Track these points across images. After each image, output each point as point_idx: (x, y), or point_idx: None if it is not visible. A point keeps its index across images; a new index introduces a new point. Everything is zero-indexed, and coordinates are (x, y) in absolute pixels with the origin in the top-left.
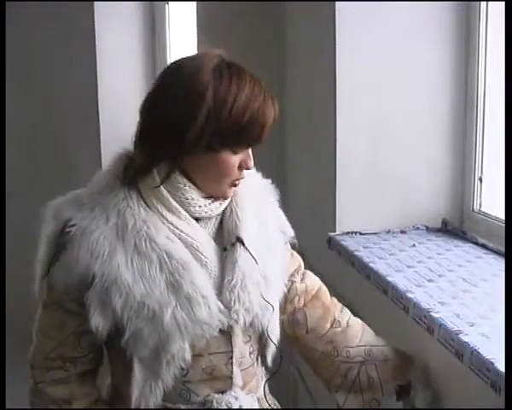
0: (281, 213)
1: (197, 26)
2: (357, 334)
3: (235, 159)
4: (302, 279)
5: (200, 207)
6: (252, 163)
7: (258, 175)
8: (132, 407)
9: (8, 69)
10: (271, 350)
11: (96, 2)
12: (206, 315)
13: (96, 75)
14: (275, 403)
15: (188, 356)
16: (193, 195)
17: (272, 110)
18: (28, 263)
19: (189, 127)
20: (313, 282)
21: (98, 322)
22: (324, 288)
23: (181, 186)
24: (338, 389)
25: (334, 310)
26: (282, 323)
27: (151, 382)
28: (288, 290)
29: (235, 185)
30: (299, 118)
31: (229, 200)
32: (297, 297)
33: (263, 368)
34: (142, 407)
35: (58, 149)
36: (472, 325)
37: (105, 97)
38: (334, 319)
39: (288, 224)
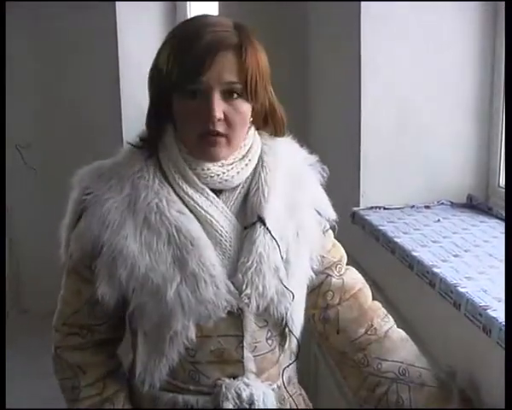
0: (321, 193)
1: None
2: (395, 348)
3: (188, 105)
4: (340, 275)
5: (211, 177)
6: (212, 112)
7: (302, 150)
8: (136, 379)
9: (33, 58)
10: (292, 338)
11: (117, 2)
12: (213, 295)
13: (118, 78)
14: (301, 392)
15: (192, 335)
16: (197, 162)
17: (201, 43)
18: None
19: (155, 74)
20: (354, 281)
21: (105, 291)
22: (366, 290)
23: (183, 153)
24: (363, 403)
25: (372, 316)
26: (312, 317)
27: (155, 357)
28: (321, 283)
29: (208, 140)
30: (323, 93)
31: (248, 171)
32: (330, 293)
33: (287, 355)
34: (147, 380)
35: (81, 130)
36: (500, 301)
37: (128, 105)
38: (371, 325)
39: (328, 206)
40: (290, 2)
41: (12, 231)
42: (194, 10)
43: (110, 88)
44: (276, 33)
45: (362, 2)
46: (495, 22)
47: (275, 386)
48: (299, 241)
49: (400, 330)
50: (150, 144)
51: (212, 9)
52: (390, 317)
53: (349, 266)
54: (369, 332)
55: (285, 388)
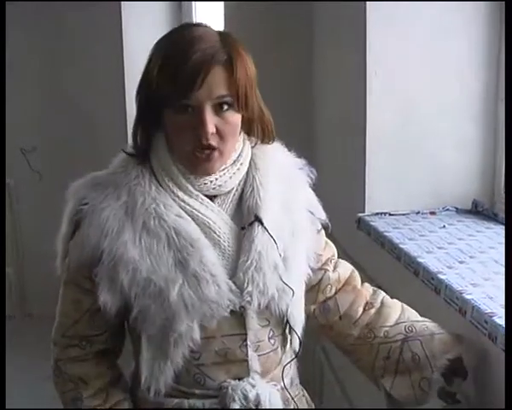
0: (312, 194)
1: (224, 26)
2: (394, 312)
3: (180, 119)
4: (335, 268)
5: (205, 184)
6: (205, 128)
7: (290, 154)
8: (142, 386)
9: (36, 59)
10: (294, 337)
11: (123, 2)
12: (215, 294)
13: (123, 79)
14: (303, 394)
15: (196, 336)
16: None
17: (193, 61)
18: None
19: (144, 86)
20: (346, 269)
21: (107, 299)
22: (356, 273)
23: (175, 162)
24: (383, 374)
25: (366, 294)
26: (313, 313)
27: (160, 361)
28: (320, 280)
29: (201, 155)
30: (328, 97)
31: (240, 175)
32: (329, 287)
33: (288, 356)
34: (153, 386)
35: (86, 129)
36: None
37: (133, 106)
38: (367, 302)
39: (319, 206)
40: (295, 1)
41: (17, 234)
42: (199, 10)
43: (115, 89)
44: (280, 33)
45: (368, 2)
46: (500, 23)
47: (279, 387)
48: (295, 240)
49: (393, 299)
50: (140, 153)
51: (218, 9)
52: (379, 290)
53: (339, 259)
54: (366, 308)
55: (287, 389)
